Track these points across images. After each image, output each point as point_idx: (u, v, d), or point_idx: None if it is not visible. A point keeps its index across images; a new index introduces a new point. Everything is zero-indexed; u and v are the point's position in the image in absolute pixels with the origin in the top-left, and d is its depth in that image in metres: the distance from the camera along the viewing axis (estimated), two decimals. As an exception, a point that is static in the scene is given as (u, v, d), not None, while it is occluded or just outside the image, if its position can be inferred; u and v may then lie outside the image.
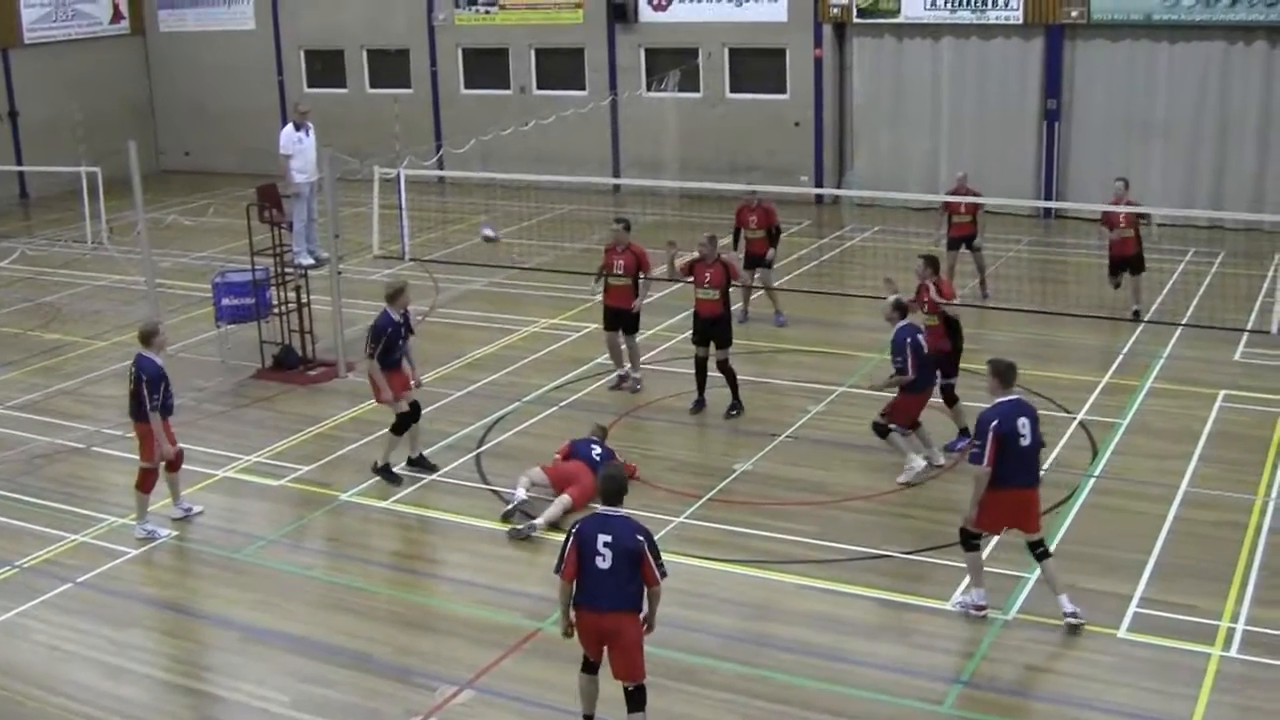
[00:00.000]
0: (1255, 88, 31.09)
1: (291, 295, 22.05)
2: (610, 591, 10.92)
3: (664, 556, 11.15)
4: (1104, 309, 23.44)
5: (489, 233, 21.44)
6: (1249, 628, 13.27)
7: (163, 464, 16.21)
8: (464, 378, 21.72)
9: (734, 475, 17.48)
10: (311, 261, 22.47)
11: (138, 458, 16.18)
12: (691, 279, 19.81)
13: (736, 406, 19.67)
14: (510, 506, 16.27)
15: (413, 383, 17.72)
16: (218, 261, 29.06)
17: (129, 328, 24.80)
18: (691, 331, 20.11)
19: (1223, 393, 19.96)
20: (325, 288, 22.56)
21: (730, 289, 19.92)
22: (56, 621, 14.28)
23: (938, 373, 17.23)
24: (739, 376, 19.77)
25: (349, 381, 21.53)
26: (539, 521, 15.84)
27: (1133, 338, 22.47)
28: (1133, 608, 13.69)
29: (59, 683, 13.08)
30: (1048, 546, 13.74)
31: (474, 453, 18.46)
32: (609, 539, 10.88)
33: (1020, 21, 32.85)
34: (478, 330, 24.29)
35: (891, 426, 16.86)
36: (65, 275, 30.04)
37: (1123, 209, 23.20)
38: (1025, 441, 13.28)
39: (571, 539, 11.01)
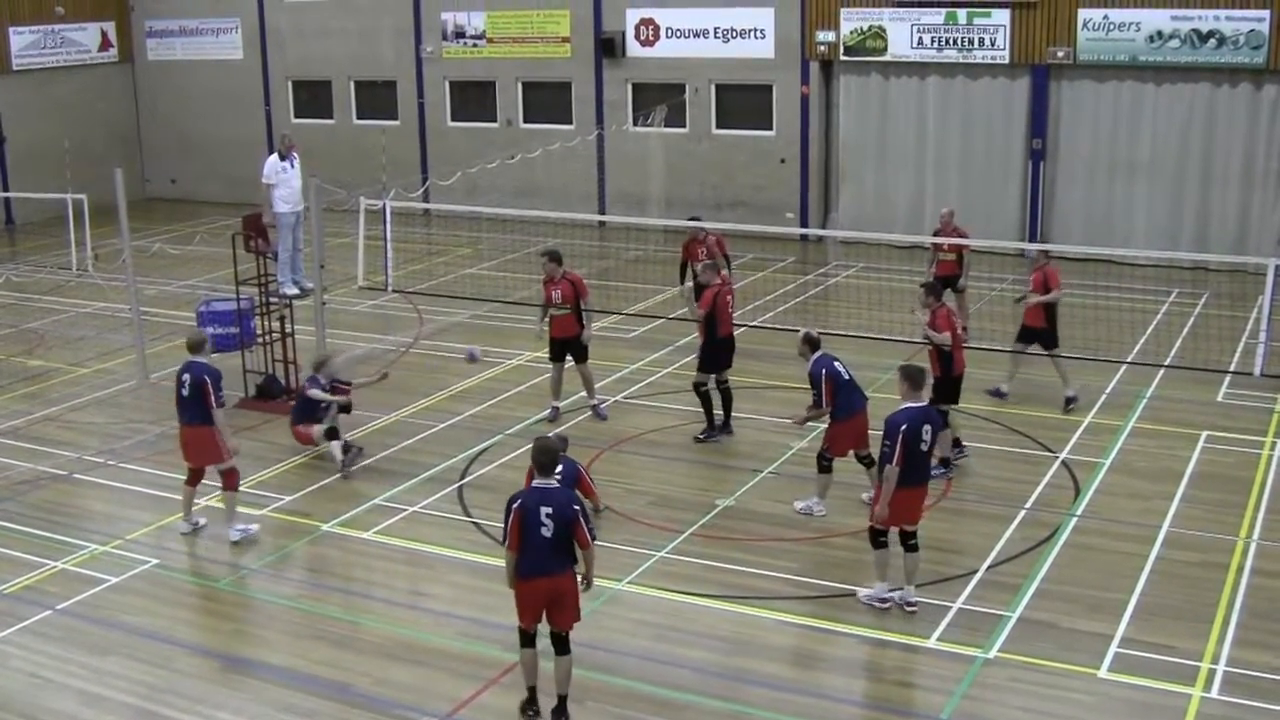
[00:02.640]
0: (1239, 130, 31.26)
1: (275, 325, 22.03)
2: (555, 557, 11.98)
3: (644, 591, 11.38)
4: (1087, 350, 23.48)
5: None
6: (1230, 669, 13.27)
7: (187, 474, 16.77)
8: (447, 410, 21.70)
9: (716, 510, 17.47)
10: (296, 291, 22.44)
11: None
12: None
13: (723, 429, 20.15)
14: None
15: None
16: (202, 290, 29.06)
17: (113, 355, 24.87)
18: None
19: (1205, 433, 20.01)
20: (309, 318, 22.53)
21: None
22: (36, 648, 14.22)
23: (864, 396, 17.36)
24: (716, 410, 20.07)
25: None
26: None
27: (1115, 378, 22.51)
28: (1114, 647, 13.70)
29: (38, 710, 13.02)
30: (918, 541, 14.62)
31: (456, 485, 18.43)
32: (550, 510, 11.89)
33: (1006, 61, 33.02)
34: (460, 362, 24.21)
35: (828, 458, 17.07)
36: (50, 301, 30.00)
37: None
38: (925, 446, 14.27)
39: (513, 513, 11.95)
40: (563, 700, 12.51)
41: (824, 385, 16.70)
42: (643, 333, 25.35)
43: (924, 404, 14.55)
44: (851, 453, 17.11)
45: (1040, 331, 21.20)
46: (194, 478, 16.86)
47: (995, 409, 21.07)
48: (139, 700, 13.21)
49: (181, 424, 16.75)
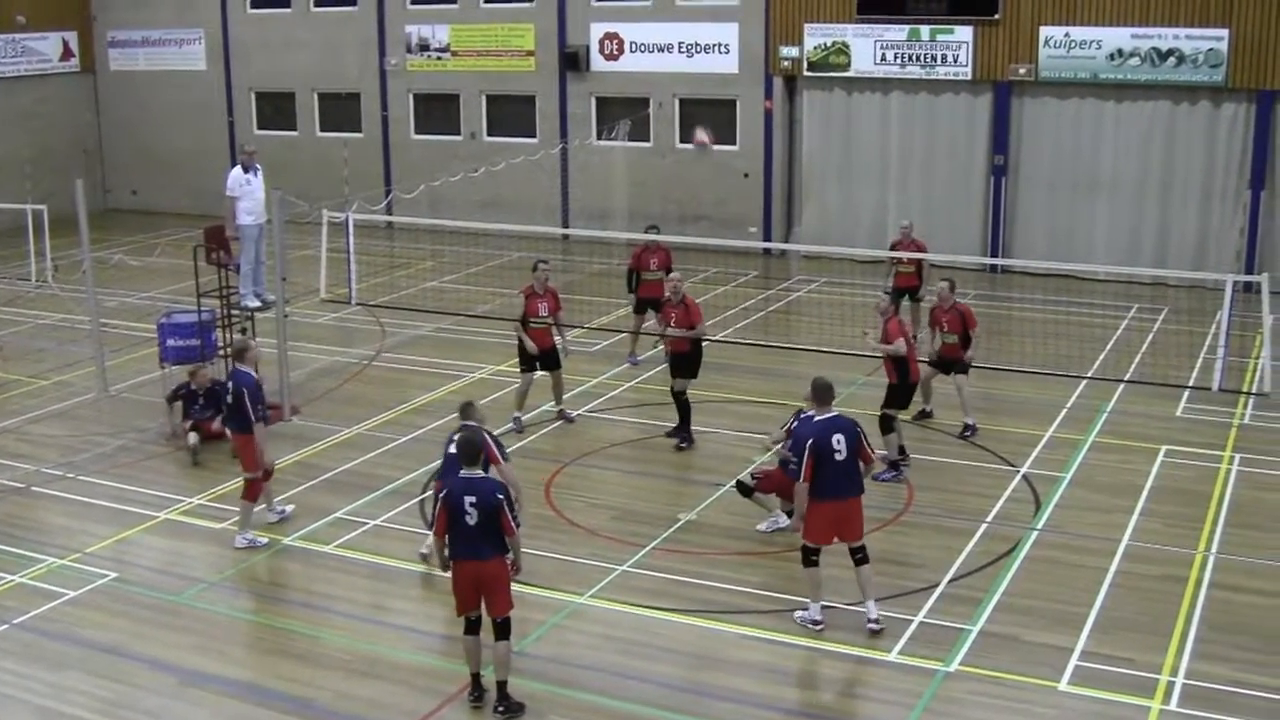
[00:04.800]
0: (1199, 147, 31.54)
1: (237, 337, 21.93)
2: (481, 543, 12.44)
3: (607, 606, 11.36)
4: (1048, 365, 23.58)
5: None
6: (1189, 681, 13.34)
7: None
8: (409, 423, 21.65)
9: (678, 524, 17.46)
10: (258, 304, 22.37)
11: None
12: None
13: (687, 439, 20.29)
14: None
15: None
16: (163, 302, 28.90)
17: (72, 367, 24.71)
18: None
19: (1165, 448, 20.13)
20: (271, 330, 22.46)
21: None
22: (-9, 663, 14.12)
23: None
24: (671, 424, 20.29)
25: (293, 425, 21.45)
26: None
27: (1076, 392, 22.61)
28: (1074, 660, 13.75)
29: (-8, 726, 12.92)
30: (867, 554, 14.44)
31: (418, 498, 18.38)
32: (474, 499, 12.38)
33: (969, 78, 33.20)
34: (424, 375, 24.22)
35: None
36: (9, 313, 29.79)
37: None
38: (840, 456, 14.12)
39: (440, 501, 12.56)
40: (502, 685, 12.78)
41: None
42: (605, 346, 25.33)
43: (832, 414, 14.40)
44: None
45: (957, 362, 20.87)
46: (265, 474, 17.25)
47: (957, 423, 21.11)
48: (97, 715, 13.10)
49: (229, 430, 17.60)
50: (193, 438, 20.16)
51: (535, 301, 20.90)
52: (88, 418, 22.27)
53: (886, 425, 18.84)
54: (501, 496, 12.48)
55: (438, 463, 19.22)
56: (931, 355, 21.12)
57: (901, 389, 18.93)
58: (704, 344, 20.61)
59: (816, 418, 14.43)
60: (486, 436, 14.63)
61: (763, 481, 17.06)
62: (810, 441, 14.09)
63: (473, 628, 12.81)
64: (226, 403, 17.25)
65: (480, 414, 15.36)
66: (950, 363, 20.84)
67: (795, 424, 15.95)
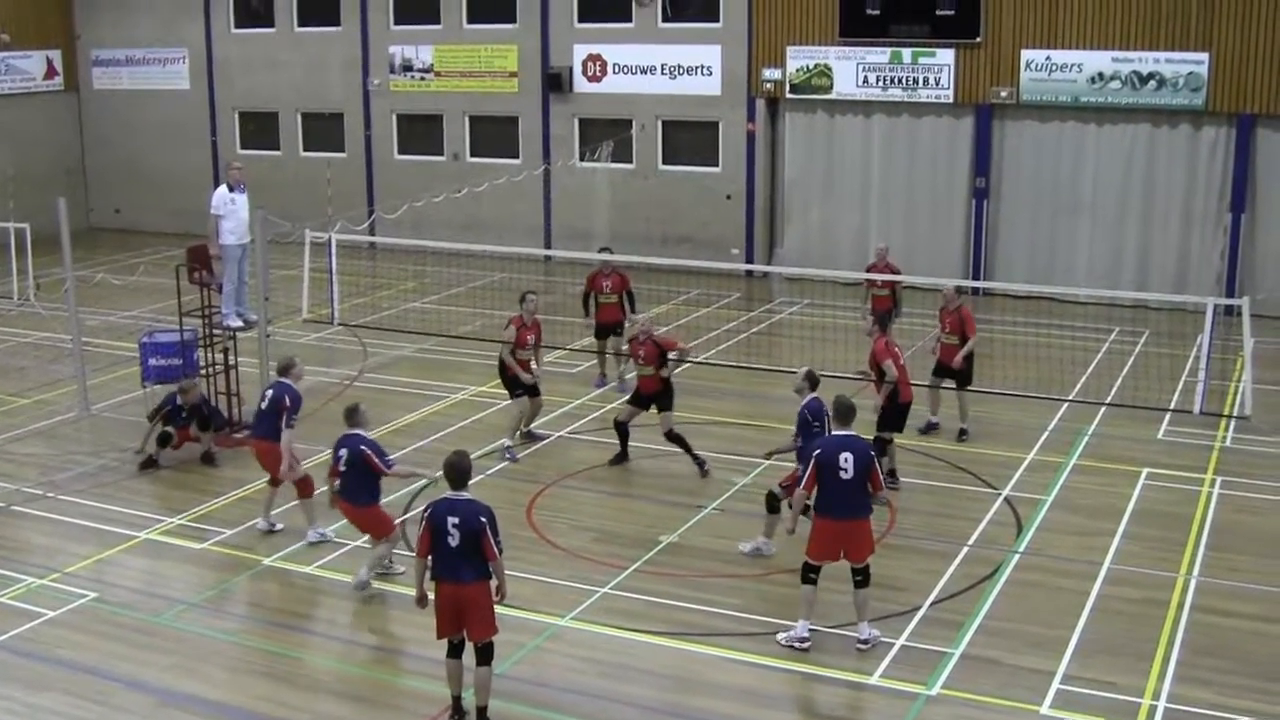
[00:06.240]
0: (1179, 170, 31.70)
1: (219, 357, 21.91)
2: (462, 565, 12.43)
3: (588, 628, 11.30)
4: (1030, 387, 23.61)
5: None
6: (1170, 705, 13.35)
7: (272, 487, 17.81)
8: (390, 444, 21.47)
9: (660, 546, 17.45)
10: (240, 324, 22.31)
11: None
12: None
13: (702, 465, 20.12)
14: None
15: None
16: (145, 321, 28.85)
17: (53, 385, 24.65)
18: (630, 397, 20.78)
19: (1146, 470, 20.17)
20: (253, 350, 22.40)
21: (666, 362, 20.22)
22: (-31, 684, 14.04)
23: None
24: (660, 446, 20.19)
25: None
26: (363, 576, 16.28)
27: (1058, 415, 22.66)
28: (1056, 684, 13.75)
29: (-30, 747, 12.85)
30: (869, 577, 14.50)
31: (399, 519, 18.32)
32: (456, 520, 12.42)
33: (951, 101, 33.33)
34: (405, 396, 24.19)
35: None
36: (-11, 332, 29.74)
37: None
38: (846, 475, 14.09)
39: (425, 521, 12.57)
40: (482, 710, 12.81)
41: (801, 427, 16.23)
42: (586, 368, 25.33)
43: (847, 434, 14.41)
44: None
45: (957, 371, 21.44)
46: (300, 491, 17.61)
47: (938, 445, 21.15)
48: (75, 736, 13.07)
49: (253, 436, 18.26)
50: (152, 444, 20.58)
51: (524, 333, 20.91)
52: (69, 437, 22.20)
53: (878, 448, 18.64)
54: (485, 520, 12.43)
55: (417, 485, 19.29)
56: (932, 346, 21.99)
57: (893, 410, 18.89)
58: (686, 364, 20.51)
59: (831, 433, 14.66)
60: (365, 449, 15.39)
61: (790, 488, 16.89)
62: (816, 453, 14.23)
63: (455, 650, 12.80)
64: (260, 408, 17.62)
65: (365, 418, 15.91)
66: (947, 367, 21.22)
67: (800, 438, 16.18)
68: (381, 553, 16.17)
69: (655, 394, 20.15)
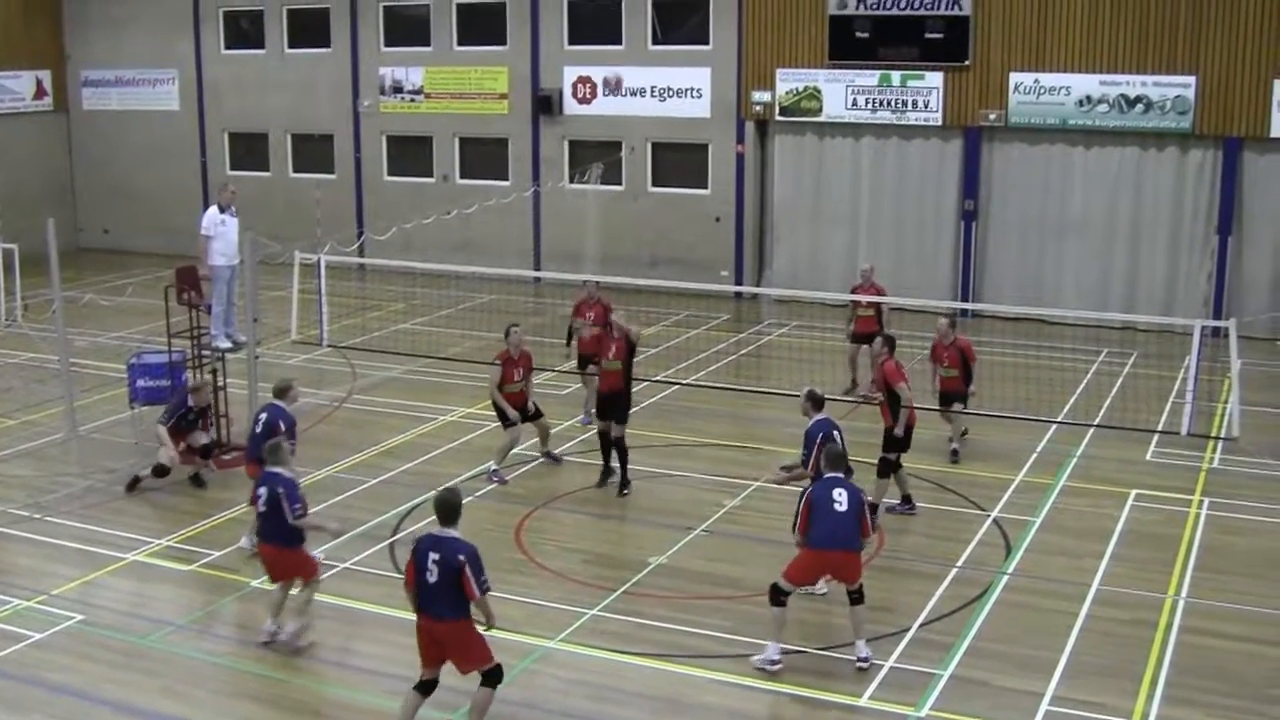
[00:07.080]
0: (1166, 193, 31.81)
1: (207, 378, 21.87)
2: (440, 602, 12.31)
3: (576, 650, 11.24)
4: (1018, 409, 23.64)
5: None
6: (1158, 728, 13.36)
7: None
8: (379, 465, 21.58)
9: (648, 569, 17.42)
10: (229, 345, 22.30)
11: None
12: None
13: (625, 484, 20.10)
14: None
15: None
16: (134, 342, 28.81)
17: (40, 407, 24.58)
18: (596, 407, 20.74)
19: (1134, 492, 20.19)
20: (241, 371, 22.39)
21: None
22: (-45, 707, 13.99)
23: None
24: (649, 468, 20.14)
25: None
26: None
27: (1046, 437, 22.70)
28: (1044, 706, 13.73)
29: (-45, 770, 12.79)
30: (863, 594, 14.57)
31: (388, 541, 18.30)
32: (437, 557, 12.26)
33: (940, 123, 33.42)
34: (394, 418, 24.16)
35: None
36: (-24, 353, 29.67)
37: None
38: (840, 507, 14.22)
39: (411, 554, 12.49)
40: None
41: (816, 449, 15.72)
42: (576, 390, 25.31)
43: (839, 476, 14.48)
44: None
45: (957, 394, 21.83)
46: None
47: (927, 467, 21.16)
48: (62, 759, 13.02)
49: (247, 460, 17.82)
50: (164, 454, 20.17)
51: (511, 368, 20.82)
52: (56, 458, 22.14)
53: (884, 470, 18.75)
54: (464, 558, 12.17)
55: (406, 505, 19.25)
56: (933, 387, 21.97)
57: (897, 435, 18.78)
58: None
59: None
60: (281, 490, 14.78)
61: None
62: (808, 494, 14.40)
63: (422, 686, 12.71)
64: (255, 431, 17.36)
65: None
66: (951, 396, 21.32)
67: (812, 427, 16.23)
68: (307, 597, 15.43)
69: (616, 395, 20.04)
